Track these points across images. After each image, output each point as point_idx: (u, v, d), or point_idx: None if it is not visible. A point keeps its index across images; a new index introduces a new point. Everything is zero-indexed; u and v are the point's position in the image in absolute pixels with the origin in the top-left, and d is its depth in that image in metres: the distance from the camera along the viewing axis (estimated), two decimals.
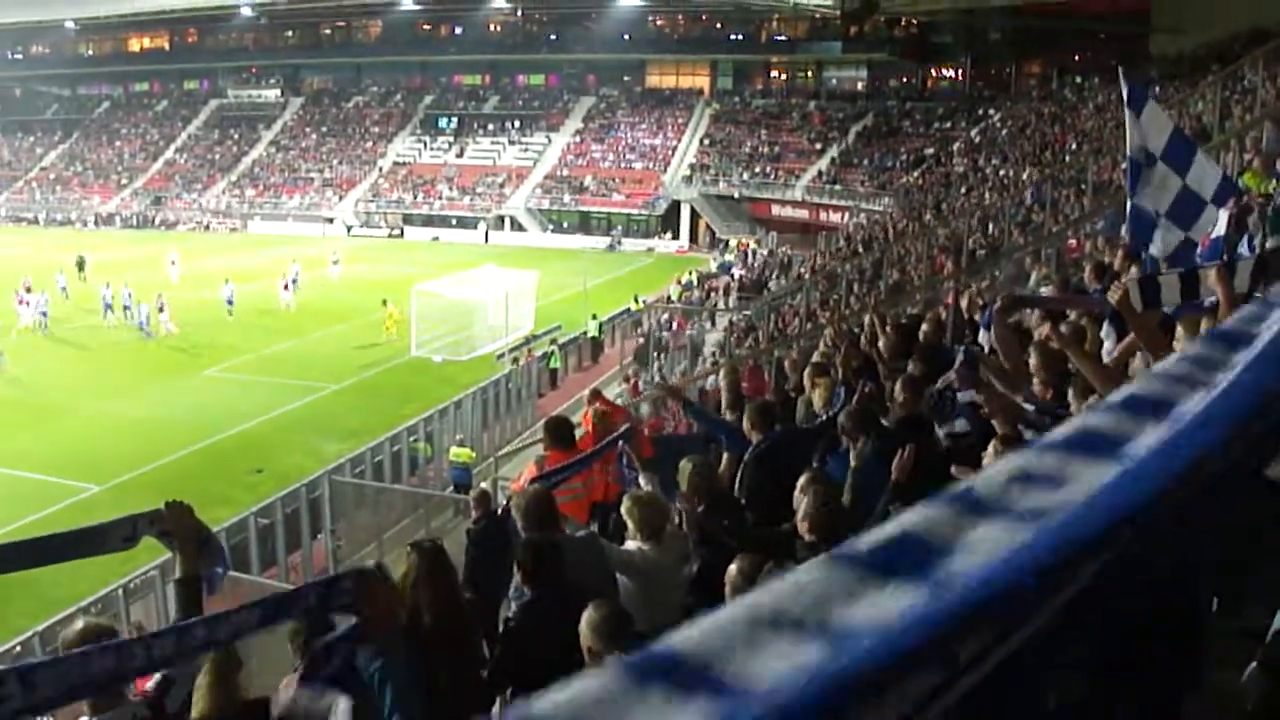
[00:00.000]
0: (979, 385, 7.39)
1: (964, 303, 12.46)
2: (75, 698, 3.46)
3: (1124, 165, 10.02)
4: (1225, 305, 6.08)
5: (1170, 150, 9.58)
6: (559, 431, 9.60)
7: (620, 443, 8.91)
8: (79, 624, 4.47)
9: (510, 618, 6.21)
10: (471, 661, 5.86)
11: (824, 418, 8.92)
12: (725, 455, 9.20)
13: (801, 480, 6.54)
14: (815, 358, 12.01)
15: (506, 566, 7.95)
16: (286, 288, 46.91)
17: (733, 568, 5.37)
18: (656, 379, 33.45)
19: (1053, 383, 6.90)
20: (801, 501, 6.20)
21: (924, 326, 11.45)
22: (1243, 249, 8.89)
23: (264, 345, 39.19)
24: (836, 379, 9.82)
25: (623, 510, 6.89)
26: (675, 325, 40.00)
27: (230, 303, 43.72)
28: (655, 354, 37.05)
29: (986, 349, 8.48)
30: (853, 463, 7.34)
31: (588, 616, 4.89)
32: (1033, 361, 7.16)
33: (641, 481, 8.21)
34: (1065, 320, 8.46)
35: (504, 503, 9.51)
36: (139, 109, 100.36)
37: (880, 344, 10.69)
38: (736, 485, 8.16)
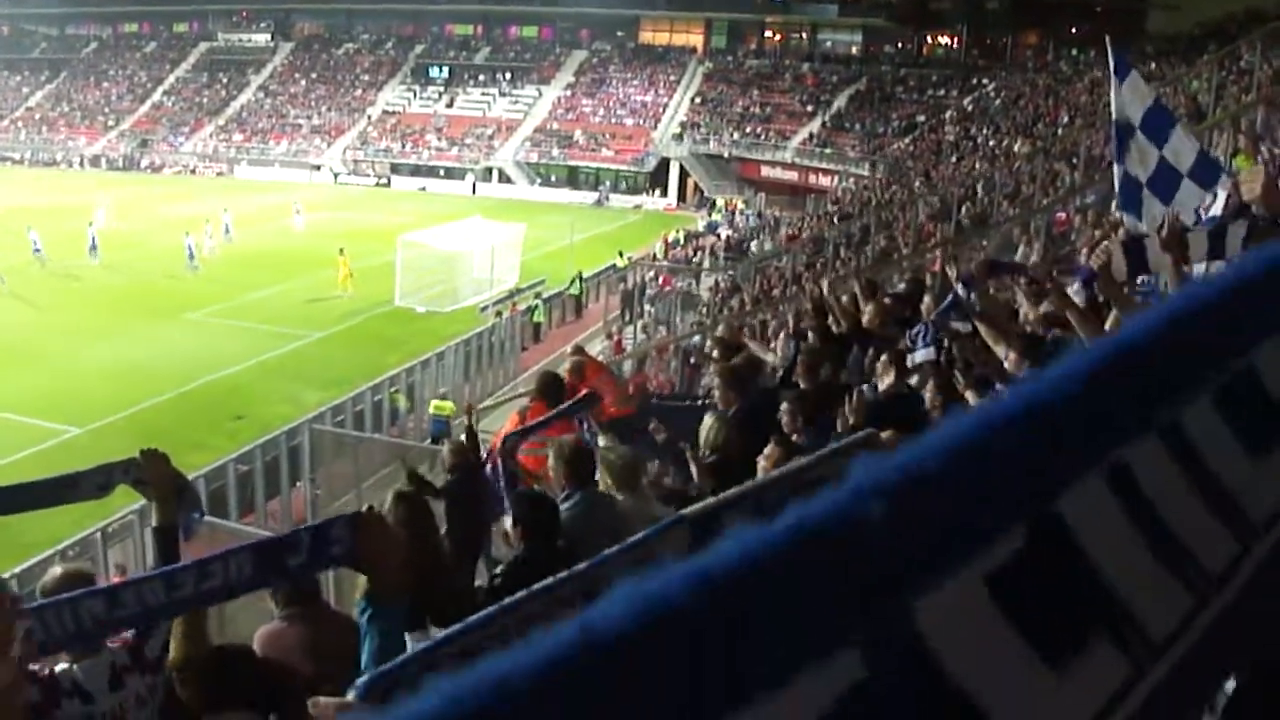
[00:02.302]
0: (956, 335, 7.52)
1: (951, 271, 12.44)
2: (64, 647, 3.45)
3: (1110, 132, 10.07)
4: (1175, 268, 6.02)
5: (1148, 121, 9.61)
6: (550, 388, 9.62)
7: (587, 401, 8.90)
8: (57, 570, 4.45)
9: (497, 574, 6.10)
10: (452, 616, 5.82)
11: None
12: None
13: (770, 451, 6.57)
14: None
15: (482, 521, 7.97)
16: (210, 237, 45.94)
17: None
18: (641, 336, 33.49)
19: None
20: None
21: (926, 299, 11.34)
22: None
23: (247, 291, 39.02)
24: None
25: (600, 464, 6.89)
26: (661, 283, 39.95)
27: (191, 256, 42.67)
28: (640, 310, 37.08)
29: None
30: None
31: None
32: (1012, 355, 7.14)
33: (601, 441, 8.23)
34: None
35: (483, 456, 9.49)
36: (127, 50, 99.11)
37: (868, 311, 10.66)
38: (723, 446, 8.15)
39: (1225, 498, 0.94)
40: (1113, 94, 9.85)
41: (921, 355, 7.99)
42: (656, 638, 0.64)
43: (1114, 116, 9.81)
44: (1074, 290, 7.60)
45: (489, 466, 7.90)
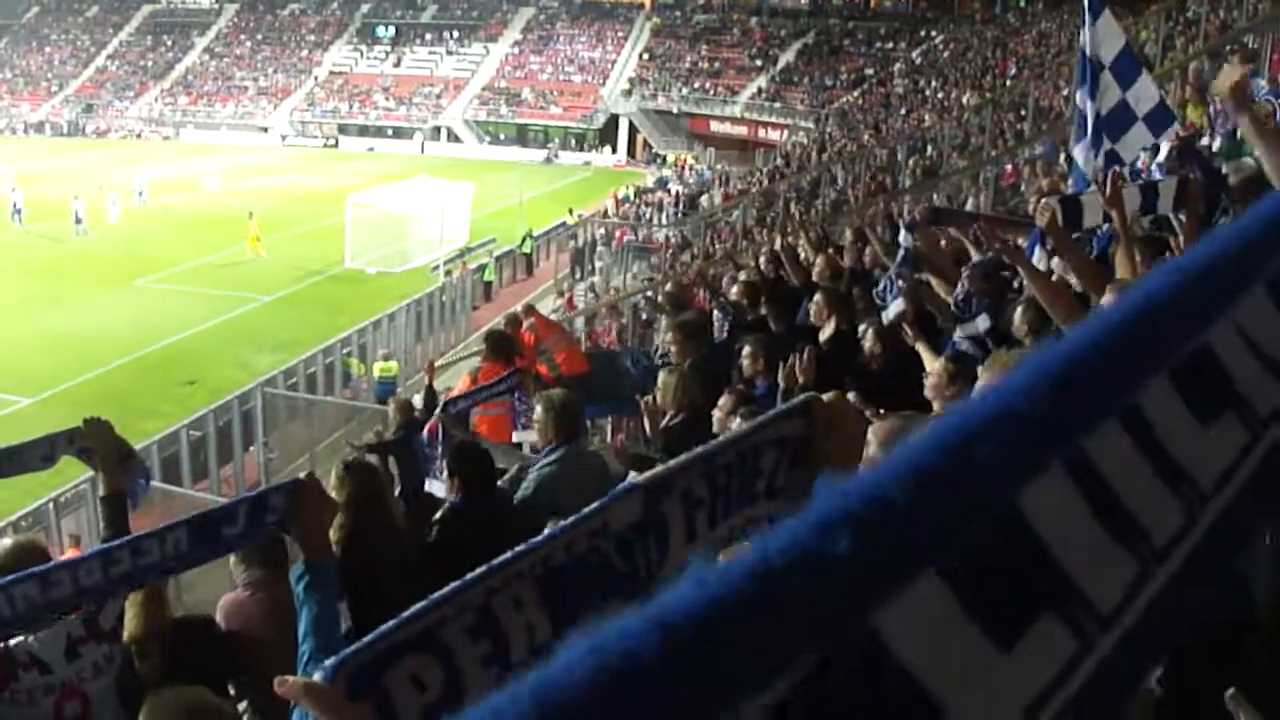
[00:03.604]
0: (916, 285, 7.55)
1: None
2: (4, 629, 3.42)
3: (1080, 69, 10.06)
4: (1120, 225, 6.10)
5: (1118, 63, 9.65)
6: (500, 346, 9.57)
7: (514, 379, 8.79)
8: (7, 542, 4.43)
9: (434, 523, 6.01)
10: (407, 583, 5.79)
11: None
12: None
13: (724, 401, 6.55)
14: (745, 276, 12.02)
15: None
16: (114, 203, 44.63)
17: None
18: (590, 296, 33.45)
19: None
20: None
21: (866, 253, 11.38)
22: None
23: (195, 256, 38.51)
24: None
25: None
26: (615, 239, 39.86)
27: (78, 221, 41.54)
28: (591, 266, 37.09)
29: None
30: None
31: None
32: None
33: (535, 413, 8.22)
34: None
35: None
36: (69, 14, 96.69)
37: (816, 263, 10.69)
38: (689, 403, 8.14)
39: (1176, 468, 0.94)
40: (1085, 31, 9.86)
41: (894, 310, 7.98)
42: (617, 704, 0.61)
43: (1087, 52, 9.80)
44: (1036, 259, 7.68)
45: (426, 433, 7.81)
